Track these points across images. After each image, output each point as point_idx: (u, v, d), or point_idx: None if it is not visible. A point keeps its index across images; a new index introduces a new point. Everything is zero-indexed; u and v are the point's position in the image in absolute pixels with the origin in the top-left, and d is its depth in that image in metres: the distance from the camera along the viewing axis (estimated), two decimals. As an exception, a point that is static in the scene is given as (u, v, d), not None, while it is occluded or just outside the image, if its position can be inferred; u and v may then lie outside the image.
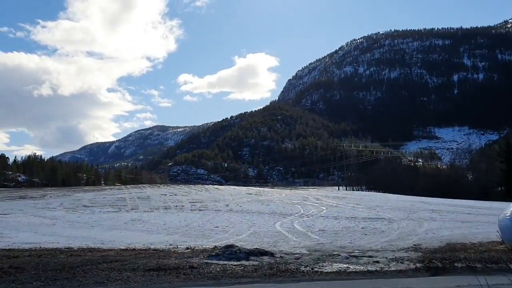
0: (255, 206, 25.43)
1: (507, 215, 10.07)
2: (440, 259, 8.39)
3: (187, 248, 11.32)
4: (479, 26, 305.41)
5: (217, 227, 17.61)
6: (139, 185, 61.67)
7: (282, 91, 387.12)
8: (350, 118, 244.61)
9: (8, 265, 7.94)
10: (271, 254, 9.04)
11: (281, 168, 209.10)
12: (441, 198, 32.39)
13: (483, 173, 53.47)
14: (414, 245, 10.97)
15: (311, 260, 8.66)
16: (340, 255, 9.29)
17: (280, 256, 9.14)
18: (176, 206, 28.52)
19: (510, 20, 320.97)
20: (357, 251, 10.19)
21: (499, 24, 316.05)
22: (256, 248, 9.67)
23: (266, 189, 49.82)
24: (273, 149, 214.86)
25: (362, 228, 15.18)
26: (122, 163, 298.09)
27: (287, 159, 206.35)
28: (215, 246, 11.61)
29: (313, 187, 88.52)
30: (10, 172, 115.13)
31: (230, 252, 8.72)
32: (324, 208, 22.67)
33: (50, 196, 46.65)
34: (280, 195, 33.74)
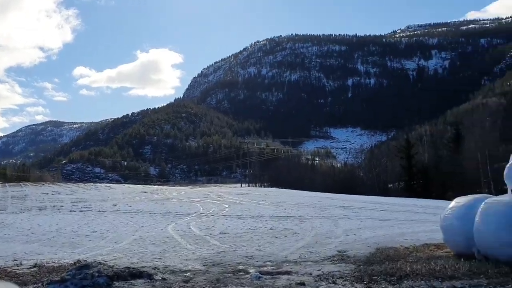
0: (147, 205, 22.15)
1: (449, 213, 8.22)
2: (384, 275, 6.17)
3: (34, 266, 7.99)
4: (371, 35, 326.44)
5: (95, 231, 14.21)
6: (20, 183, 54.29)
7: (187, 89, 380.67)
8: (254, 118, 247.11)
9: None
10: (148, 276, 6.16)
11: (184, 167, 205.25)
12: (347, 195, 31.75)
13: (384, 169, 55.11)
14: (339, 251, 8.75)
15: (206, 283, 5.96)
16: (248, 272, 6.71)
17: (162, 277, 6.30)
18: (54, 206, 24.18)
19: (398, 31, 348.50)
20: (269, 263, 7.69)
21: (389, 33, 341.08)
22: (127, 267, 6.71)
23: (165, 187, 46.24)
24: (176, 147, 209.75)
25: (271, 229, 12.82)
26: (11, 160, 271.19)
27: (190, 158, 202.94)
28: (78, 261, 8.44)
29: (215, 184, 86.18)
30: None
31: (84, 275, 5.70)
32: (227, 206, 20.13)
33: None
34: (179, 193, 30.62)
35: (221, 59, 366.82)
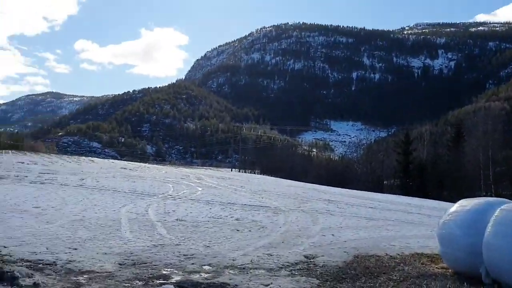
0: (116, 182, 20.25)
1: (450, 218, 6.25)
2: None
3: None
4: (379, 29, 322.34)
5: (38, 207, 12.26)
6: (2, 151, 52.48)
7: (189, 71, 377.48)
8: (253, 104, 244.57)
9: None
10: (10, 280, 4.21)
11: (180, 148, 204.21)
12: (337, 188, 29.75)
13: (380, 164, 53.12)
14: (306, 257, 6.82)
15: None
16: (169, 280, 4.77)
17: (35, 283, 4.35)
18: (18, 176, 22.26)
19: (406, 27, 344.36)
20: (207, 267, 5.79)
21: (397, 29, 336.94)
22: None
23: (148, 165, 44.29)
24: (174, 128, 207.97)
25: (237, 220, 10.90)
26: (8, 129, 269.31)
27: (187, 139, 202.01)
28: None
29: (206, 167, 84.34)
30: None
31: None
32: (200, 189, 18.20)
33: None
34: (158, 172, 28.73)
35: (226, 43, 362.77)
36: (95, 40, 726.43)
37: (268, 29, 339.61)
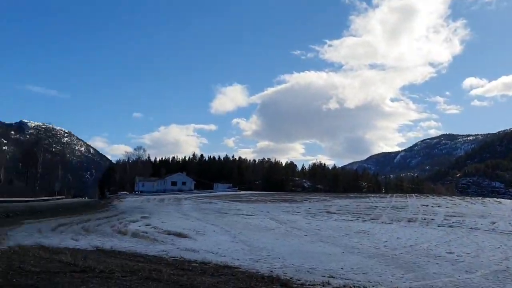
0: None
1: None
2: None
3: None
4: None
5: (451, 253, 11.63)
6: (406, 195, 55.88)
7: None
8: None
9: None
10: None
11: None
12: None
13: None
14: None
15: None
16: None
17: None
18: (424, 219, 22.49)
19: None
20: None
21: None
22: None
23: None
24: None
25: None
26: (408, 174, 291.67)
27: None
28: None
29: None
30: (297, 178, 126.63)
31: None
32: None
33: (309, 201, 46.49)
34: None
35: None
36: (483, 75, 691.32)
37: None
